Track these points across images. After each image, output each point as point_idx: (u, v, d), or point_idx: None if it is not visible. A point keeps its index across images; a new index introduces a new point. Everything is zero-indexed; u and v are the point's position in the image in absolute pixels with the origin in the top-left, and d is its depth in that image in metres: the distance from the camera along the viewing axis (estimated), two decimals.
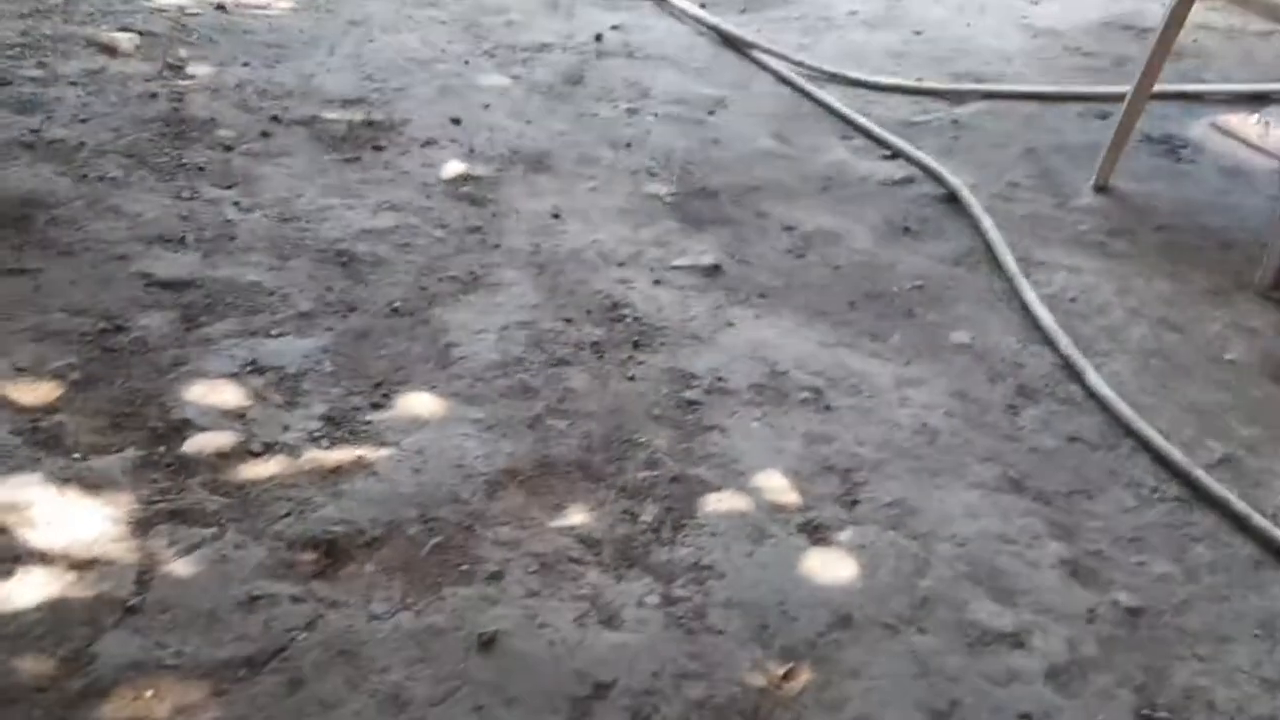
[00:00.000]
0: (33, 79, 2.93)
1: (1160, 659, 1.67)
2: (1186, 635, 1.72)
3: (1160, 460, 2.10)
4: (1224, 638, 1.73)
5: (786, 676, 1.52)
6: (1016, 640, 1.64)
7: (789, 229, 2.74)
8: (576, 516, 1.75)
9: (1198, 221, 3.02)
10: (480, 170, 2.79)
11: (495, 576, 1.61)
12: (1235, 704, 1.61)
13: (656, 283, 2.43)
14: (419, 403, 1.94)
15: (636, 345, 2.19)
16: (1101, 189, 3.11)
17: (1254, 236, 2.88)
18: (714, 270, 2.50)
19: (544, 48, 3.65)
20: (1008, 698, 1.55)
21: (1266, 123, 3.59)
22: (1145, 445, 2.13)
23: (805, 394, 2.12)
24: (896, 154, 3.17)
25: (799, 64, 3.68)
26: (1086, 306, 2.57)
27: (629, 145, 3.05)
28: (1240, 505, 1.98)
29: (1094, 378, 2.28)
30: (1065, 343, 2.38)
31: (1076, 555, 1.83)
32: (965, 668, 1.58)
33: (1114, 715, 1.56)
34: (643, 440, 1.94)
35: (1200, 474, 2.05)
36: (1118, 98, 3.10)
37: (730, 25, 3.90)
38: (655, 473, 1.86)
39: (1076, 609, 1.72)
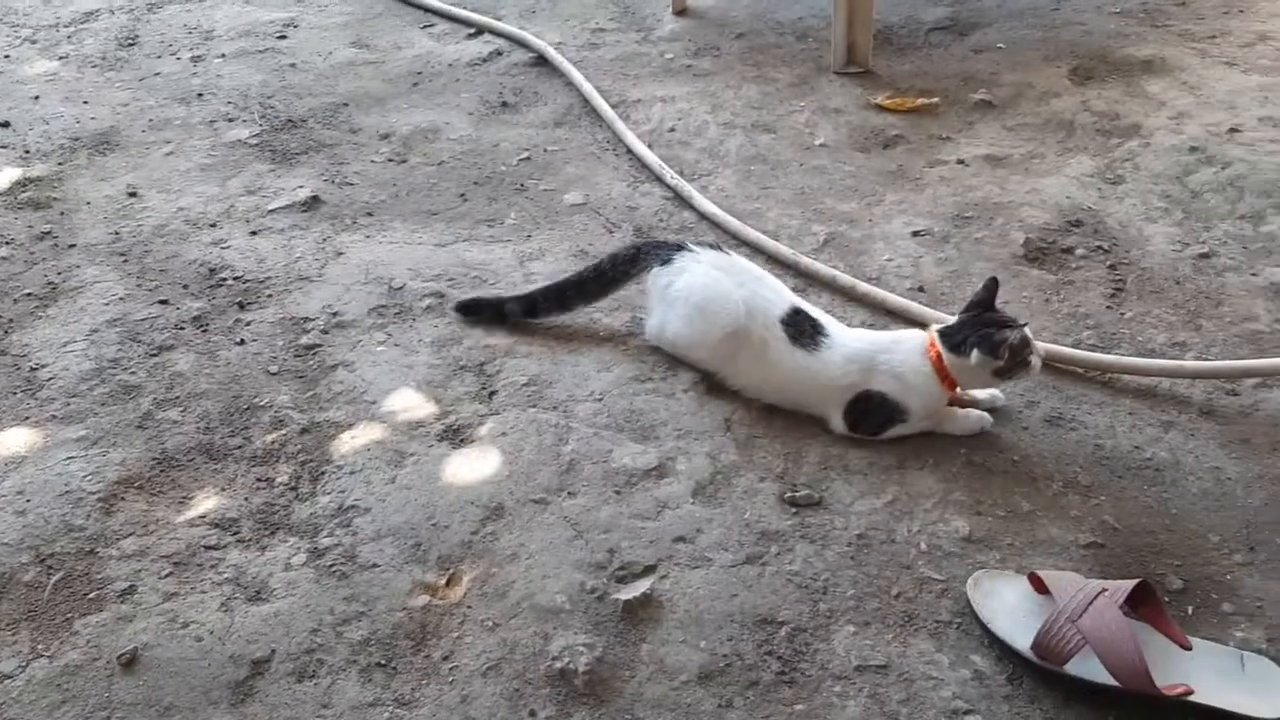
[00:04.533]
0: None
1: (794, 443, 1.77)
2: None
3: (772, 258, 2.20)
4: None
5: (448, 584, 1.53)
6: (661, 472, 1.70)
7: (385, 137, 2.67)
8: (207, 503, 1.68)
9: (774, 20, 3.13)
10: (40, 170, 2.55)
11: (128, 592, 1.53)
12: (865, 460, 1.74)
13: (254, 234, 2.31)
14: (11, 440, 1.79)
15: (242, 306, 2.09)
16: (681, 12, 3.17)
17: (827, 21, 3.01)
18: (313, 202, 2.40)
19: (90, 16, 3.36)
20: (660, 528, 1.61)
21: None
22: (756, 247, 2.23)
23: (428, 301, 2.09)
24: (480, 30, 3.12)
25: None
26: (685, 132, 2.64)
27: (201, 96, 2.87)
28: (845, 278, 2.11)
29: (700, 200, 2.35)
30: (670, 174, 2.44)
31: (708, 373, 1.91)
32: (617, 515, 1.63)
33: (761, 508, 1.65)
34: (265, 402, 1.86)
35: (806, 261, 2.16)
36: None
37: None
38: (283, 431, 1.80)
39: (714, 423, 1.80)
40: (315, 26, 3.20)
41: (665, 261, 1.89)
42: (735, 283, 1.82)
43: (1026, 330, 1.70)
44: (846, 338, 1.79)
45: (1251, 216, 2.25)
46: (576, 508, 1.64)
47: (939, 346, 1.74)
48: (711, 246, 1.91)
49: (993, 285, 1.76)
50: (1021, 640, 1.44)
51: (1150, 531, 1.62)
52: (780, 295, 1.82)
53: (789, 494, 1.67)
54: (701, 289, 1.84)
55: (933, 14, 3.10)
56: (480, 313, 2.02)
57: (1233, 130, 2.49)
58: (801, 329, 1.78)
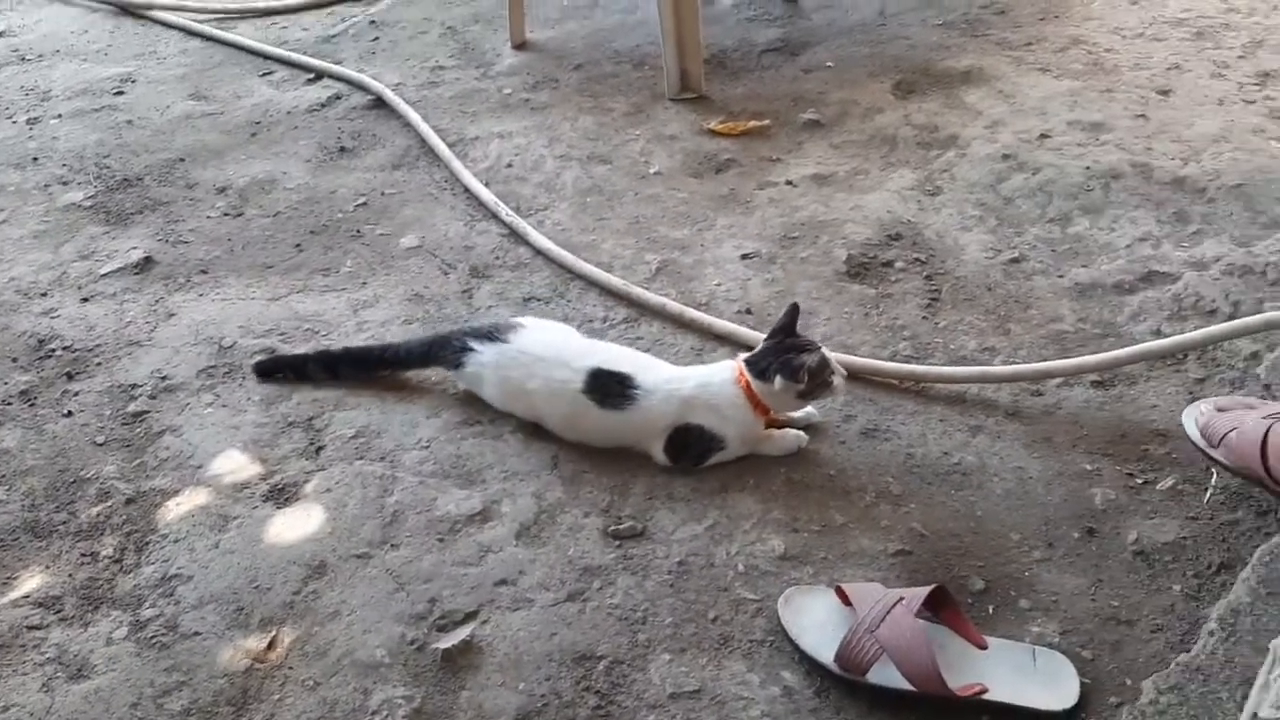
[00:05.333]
0: None
1: (620, 476, 1.81)
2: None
3: (607, 290, 2.25)
4: None
5: (270, 647, 1.54)
6: (485, 516, 1.74)
7: (222, 190, 2.66)
8: (30, 583, 1.67)
9: (611, 49, 3.19)
10: None
11: None
12: (689, 487, 1.79)
13: (85, 300, 2.29)
14: None
15: (71, 376, 2.08)
16: (520, 46, 3.21)
17: (661, 49, 3.07)
18: (146, 264, 2.39)
19: None
20: (482, 573, 1.64)
21: None
22: (591, 281, 2.27)
23: (259, 358, 2.09)
24: (320, 75, 3.12)
25: (203, 10, 3.52)
26: (523, 167, 2.68)
27: (36, 160, 2.83)
28: (674, 306, 2.17)
29: (535, 236, 2.39)
30: (505, 211, 2.47)
31: None
32: (439, 563, 1.66)
33: (585, 543, 1.69)
34: (91, 474, 1.86)
35: (637, 291, 2.21)
36: None
37: None
38: (109, 503, 1.80)
39: (540, 462, 1.84)
40: (153, 80, 3.17)
41: (456, 366, 1.92)
42: (524, 375, 1.85)
43: (824, 352, 1.78)
44: (658, 380, 1.82)
45: (1059, 219, 2.36)
46: (399, 559, 1.67)
47: (747, 375, 1.80)
48: (492, 337, 1.89)
49: (793, 312, 1.83)
50: (827, 654, 1.50)
51: (956, 535, 1.69)
52: (575, 368, 1.82)
53: (613, 527, 1.72)
54: (499, 397, 1.90)
55: (765, 35, 3.18)
56: (280, 372, 2.03)
57: (1043, 136, 2.61)
58: (608, 391, 1.81)
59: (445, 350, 1.93)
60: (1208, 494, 1.71)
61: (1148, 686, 1.39)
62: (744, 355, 1.84)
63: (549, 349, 1.86)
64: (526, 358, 1.85)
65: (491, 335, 1.89)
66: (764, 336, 1.87)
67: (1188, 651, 1.44)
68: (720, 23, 3.25)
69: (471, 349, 1.89)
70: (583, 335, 2.02)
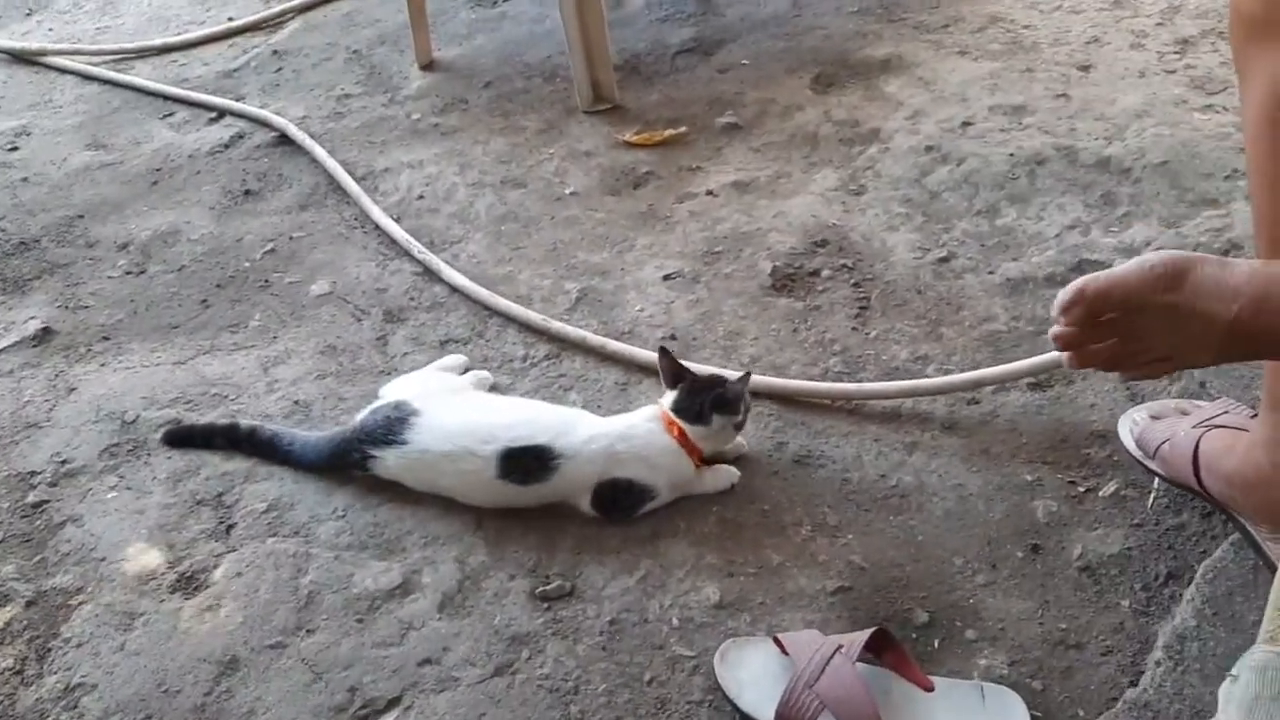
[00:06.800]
0: None
1: (547, 532, 1.73)
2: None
3: (525, 326, 2.16)
4: None
5: None
6: (406, 589, 1.66)
7: (124, 247, 2.55)
8: None
9: (521, 63, 3.09)
10: None
11: None
12: (619, 537, 1.72)
13: None
14: None
15: None
16: (427, 66, 3.10)
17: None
18: (44, 335, 2.28)
19: None
20: (404, 653, 1.56)
21: None
22: (509, 318, 2.19)
23: (163, 431, 2.00)
24: (222, 113, 3.01)
25: (99, 52, 3.38)
26: (434, 198, 2.58)
27: None
28: (595, 339, 2.08)
29: (449, 273, 2.30)
30: (418, 248, 2.38)
31: None
32: (358, 646, 1.57)
33: (512, 609, 1.62)
34: None
35: (556, 326, 2.13)
36: None
37: (14, 39, 3.51)
38: (9, 608, 1.70)
39: (463, 524, 1.75)
40: (49, 131, 3.04)
41: (363, 470, 1.80)
42: (434, 474, 1.76)
43: (737, 381, 1.74)
44: (577, 442, 1.72)
45: (987, 211, 2.30)
46: (315, 646, 1.58)
47: (679, 422, 1.73)
48: (388, 439, 1.76)
49: (666, 353, 1.82)
50: (767, 711, 1.44)
51: (897, 564, 1.63)
52: (483, 456, 1.71)
53: (540, 588, 1.64)
54: (417, 486, 1.79)
55: (678, 36, 3.09)
56: (191, 443, 1.94)
57: (965, 124, 2.54)
58: (526, 468, 1.71)
59: (348, 458, 1.81)
60: (1151, 499, 1.66)
61: None
62: (666, 403, 1.77)
63: (450, 439, 1.74)
64: (431, 456, 1.75)
65: (387, 439, 1.77)
66: (705, 357, 1.82)
67: (1138, 679, 1.39)
68: (631, 25, 3.16)
69: (372, 456, 1.78)
70: (485, 389, 1.96)
